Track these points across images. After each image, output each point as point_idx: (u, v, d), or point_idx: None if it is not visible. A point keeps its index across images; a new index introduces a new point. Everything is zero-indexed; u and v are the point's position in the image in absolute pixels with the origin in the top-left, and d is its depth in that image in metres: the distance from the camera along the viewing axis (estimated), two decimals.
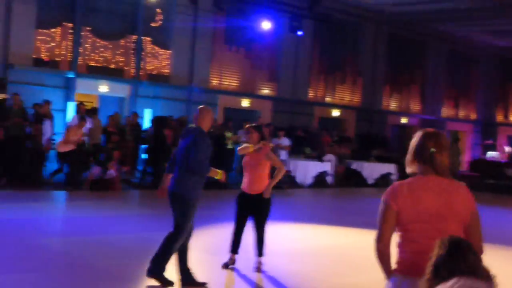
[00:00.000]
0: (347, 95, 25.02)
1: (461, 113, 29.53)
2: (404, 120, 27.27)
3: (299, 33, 20.20)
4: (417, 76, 26.85)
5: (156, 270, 5.77)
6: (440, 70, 27.13)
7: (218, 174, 6.17)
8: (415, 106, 26.89)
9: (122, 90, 19.11)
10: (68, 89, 17.59)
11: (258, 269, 6.77)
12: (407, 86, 27.40)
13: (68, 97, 17.46)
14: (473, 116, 29.94)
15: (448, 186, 3.13)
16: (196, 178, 5.90)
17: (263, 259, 6.82)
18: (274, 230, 10.16)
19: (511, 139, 29.21)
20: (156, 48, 19.23)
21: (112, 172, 13.55)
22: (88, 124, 14.43)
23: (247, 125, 7.25)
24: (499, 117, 30.10)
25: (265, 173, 6.79)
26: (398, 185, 3.23)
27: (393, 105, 27.27)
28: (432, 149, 3.28)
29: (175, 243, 5.80)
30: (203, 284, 6.10)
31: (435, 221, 2.98)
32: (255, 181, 6.74)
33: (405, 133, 25.30)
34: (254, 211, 6.78)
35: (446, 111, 28.44)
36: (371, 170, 19.26)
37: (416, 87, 26.84)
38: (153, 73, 19.23)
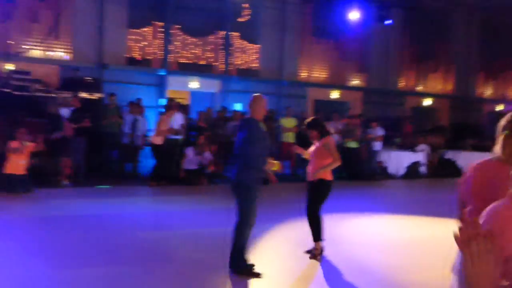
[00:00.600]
0: (439, 83, 24.50)
1: None
2: (500, 107, 25.82)
3: (387, 22, 20.01)
4: None
5: (238, 264, 5.77)
6: None
7: (275, 165, 6.22)
8: None
9: (212, 85, 19.28)
10: (160, 87, 17.93)
11: (315, 255, 6.52)
12: (502, 72, 26.13)
13: (160, 94, 17.75)
14: None
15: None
16: (254, 169, 5.92)
17: (323, 244, 6.64)
18: (366, 221, 10.01)
19: None
20: (245, 42, 19.28)
21: (206, 159, 13.29)
22: (180, 121, 14.21)
23: (306, 122, 7.19)
24: None
25: (325, 162, 6.71)
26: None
27: (488, 92, 26.48)
28: (507, 131, 3.19)
29: (244, 232, 5.79)
30: (258, 274, 5.86)
31: None
32: (314, 170, 6.73)
33: None
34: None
35: None
36: (467, 159, 18.10)
37: None
38: (242, 67, 19.31)
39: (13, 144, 10.59)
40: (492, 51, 24.91)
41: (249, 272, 5.86)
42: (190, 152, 14.12)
